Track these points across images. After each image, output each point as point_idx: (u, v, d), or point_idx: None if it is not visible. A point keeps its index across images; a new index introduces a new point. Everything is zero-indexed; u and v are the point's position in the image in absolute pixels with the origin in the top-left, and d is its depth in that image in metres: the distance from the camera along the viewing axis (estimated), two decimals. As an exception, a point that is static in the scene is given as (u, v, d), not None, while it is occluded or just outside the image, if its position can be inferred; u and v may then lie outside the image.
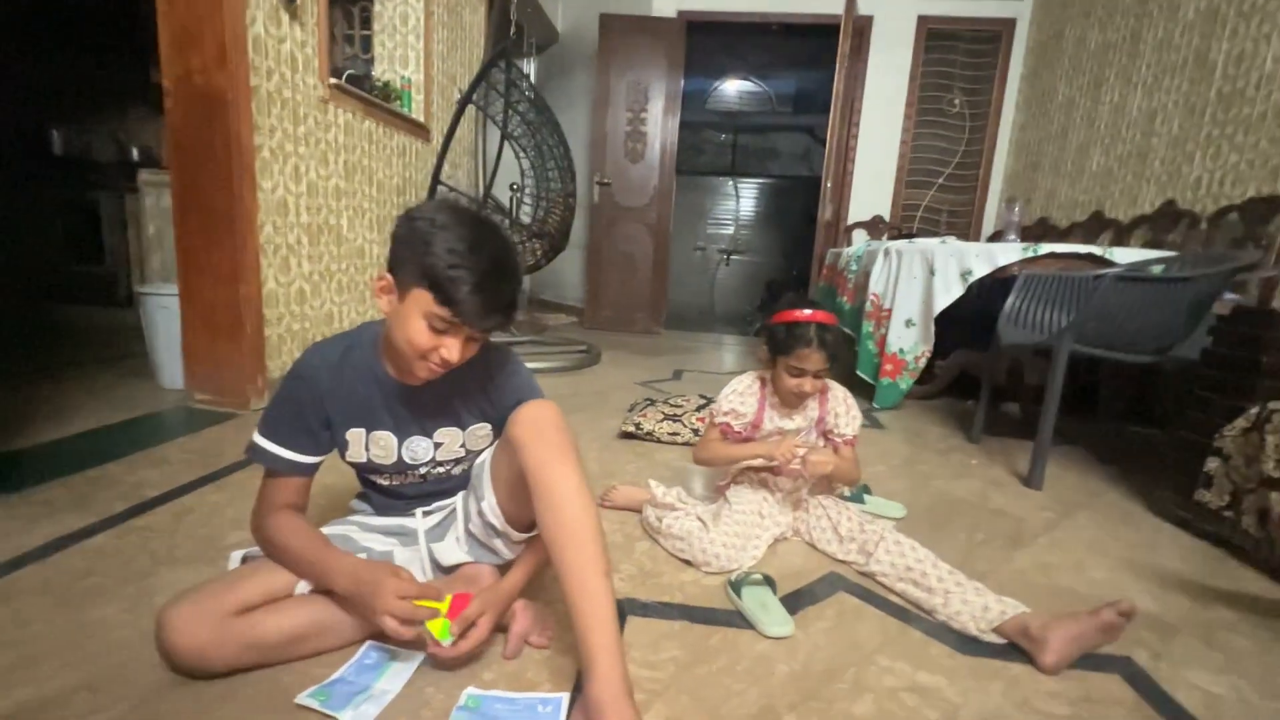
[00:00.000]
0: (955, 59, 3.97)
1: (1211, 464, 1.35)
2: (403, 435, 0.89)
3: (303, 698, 0.74)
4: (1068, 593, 1.14)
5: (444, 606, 0.79)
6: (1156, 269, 1.81)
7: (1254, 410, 1.28)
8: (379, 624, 0.76)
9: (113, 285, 3.88)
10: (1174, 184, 2.59)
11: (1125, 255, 2.07)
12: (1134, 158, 2.86)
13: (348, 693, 0.76)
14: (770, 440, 1.24)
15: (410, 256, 0.75)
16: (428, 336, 0.77)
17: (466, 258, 0.73)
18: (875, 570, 1.12)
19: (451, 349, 0.77)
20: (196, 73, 1.72)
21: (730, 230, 6.86)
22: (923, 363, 2.45)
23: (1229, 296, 2.04)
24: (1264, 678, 0.92)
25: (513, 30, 3.10)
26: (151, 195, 2.95)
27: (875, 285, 2.56)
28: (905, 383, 2.47)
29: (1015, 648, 0.93)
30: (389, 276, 0.78)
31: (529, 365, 3.08)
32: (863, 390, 2.70)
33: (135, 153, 3.97)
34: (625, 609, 0.99)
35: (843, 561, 1.19)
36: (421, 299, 0.75)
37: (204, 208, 1.82)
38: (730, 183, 6.78)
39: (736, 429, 1.27)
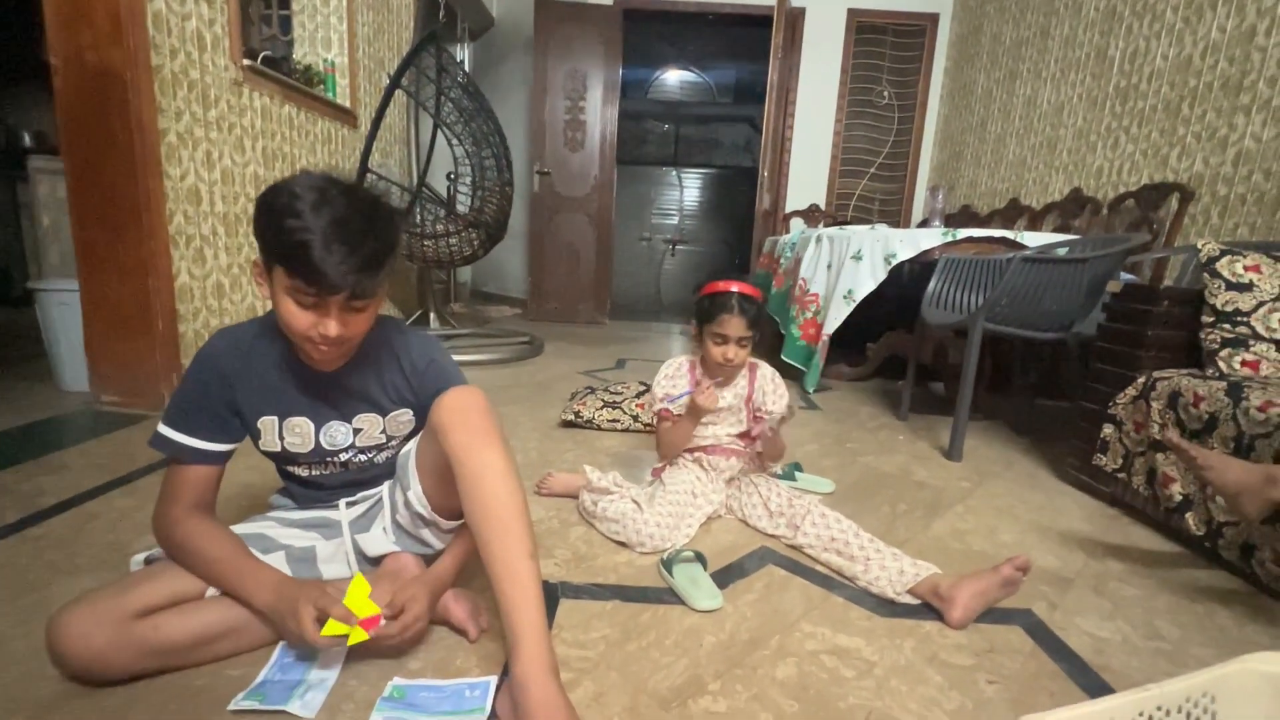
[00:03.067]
0: (884, 52, 4.11)
1: (1106, 430, 1.47)
2: (320, 421, 0.86)
3: (238, 702, 0.71)
4: (979, 555, 1.21)
5: (360, 615, 0.76)
6: (1061, 251, 1.94)
7: (1141, 379, 1.39)
8: (297, 641, 0.74)
9: (5, 282, 3.58)
10: (1079, 172, 2.77)
11: (1035, 239, 2.20)
12: (1045, 148, 3.04)
13: (285, 686, 0.74)
14: (695, 403, 1.23)
15: (263, 235, 0.72)
16: (299, 315, 0.73)
17: (307, 220, 0.68)
18: (802, 542, 1.16)
19: (327, 325, 0.73)
20: (88, 49, 1.60)
21: (675, 220, 6.89)
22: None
23: (1126, 277, 2.21)
24: (1145, 621, 1.00)
25: (442, 14, 3.01)
26: (45, 184, 2.70)
27: (805, 270, 2.64)
28: (813, 363, 2.56)
29: (928, 607, 0.99)
30: (260, 262, 0.75)
31: (470, 357, 3.01)
32: (790, 375, 2.78)
33: (27, 137, 3.65)
34: (558, 592, 0.99)
35: (772, 535, 1.22)
36: (280, 276, 0.72)
37: (104, 196, 1.70)
38: (674, 173, 6.80)
39: (674, 411, 1.29)
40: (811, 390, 2.55)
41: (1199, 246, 1.43)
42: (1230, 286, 1.36)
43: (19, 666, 0.77)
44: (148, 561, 0.83)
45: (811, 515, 1.16)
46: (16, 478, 1.33)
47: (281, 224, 0.69)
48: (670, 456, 1.33)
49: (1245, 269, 1.36)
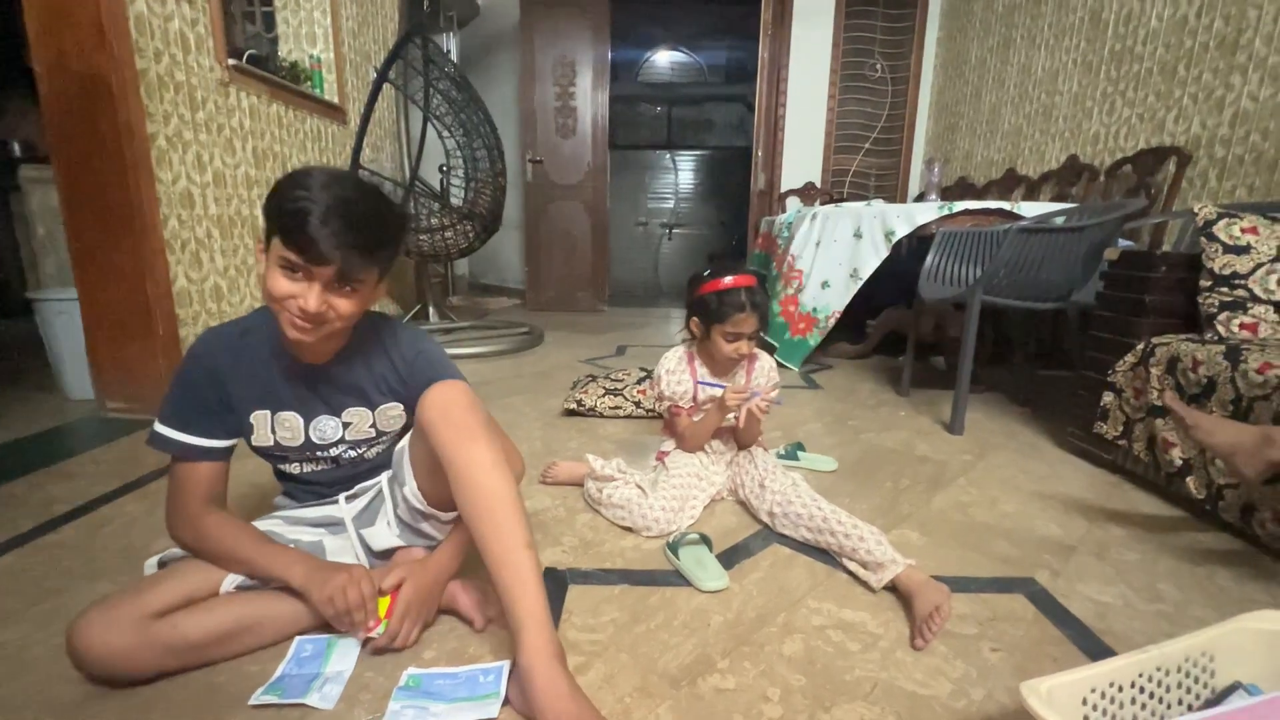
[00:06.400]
0: (875, 24, 4.05)
1: (1106, 398, 1.47)
2: (309, 415, 0.87)
3: (257, 697, 0.73)
4: (982, 527, 1.22)
5: (384, 606, 0.79)
6: (1058, 220, 1.93)
7: (1140, 346, 1.39)
8: (330, 603, 0.77)
9: (2, 294, 3.58)
10: (1076, 139, 2.75)
11: (1032, 209, 2.19)
12: (1040, 116, 3.01)
13: (303, 680, 0.76)
14: (722, 396, 1.24)
15: (269, 206, 0.74)
16: (283, 282, 0.74)
17: (313, 193, 0.71)
18: (787, 535, 1.15)
19: (308, 297, 0.74)
20: (72, 55, 1.59)
21: (671, 204, 6.85)
22: (833, 322, 2.52)
23: (1124, 244, 2.20)
24: (1147, 584, 1.02)
25: (426, 4, 2.97)
26: (37, 193, 2.71)
27: (794, 248, 2.62)
28: (814, 339, 2.53)
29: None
30: (261, 239, 0.77)
31: (470, 350, 3.01)
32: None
33: (16, 147, 3.63)
34: (567, 578, 1.01)
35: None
36: (275, 246, 0.73)
37: (97, 203, 1.69)
38: (668, 156, 6.75)
39: (684, 406, 1.31)
40: (797, 369, 2.55)
41: (1195, 210, 1.43)
42: (1228, 249, 1.35)
43: (42, 670, 0.78)
44: (161, 564, 0.84)
45: (777, 518, 1.15)
46: (28, 487, 1.35)
47: (287, 194, 0.71)
48: (697, 448, 1.32)
49: (1242, 231, 1.35)
